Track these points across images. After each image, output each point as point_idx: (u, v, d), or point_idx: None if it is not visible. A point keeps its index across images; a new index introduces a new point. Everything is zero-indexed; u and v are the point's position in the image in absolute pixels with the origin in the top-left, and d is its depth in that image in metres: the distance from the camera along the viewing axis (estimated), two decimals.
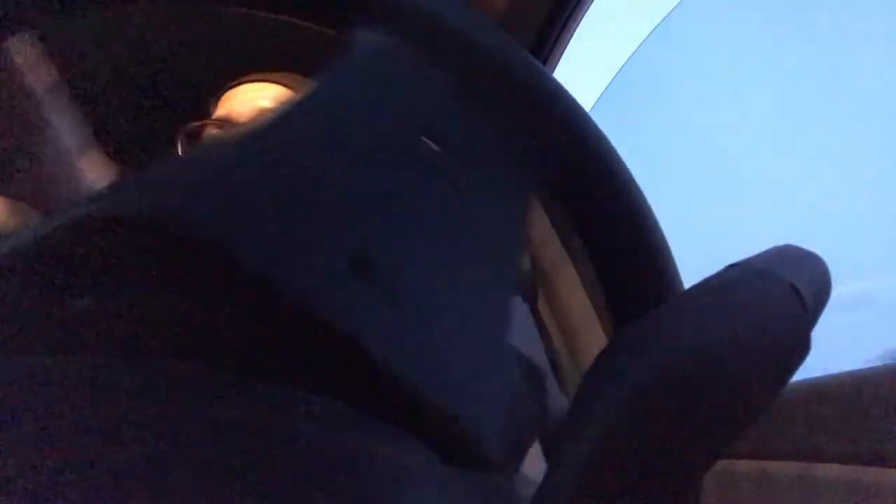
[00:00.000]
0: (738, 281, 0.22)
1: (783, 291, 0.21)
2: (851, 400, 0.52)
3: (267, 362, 0.18)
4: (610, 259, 0.26)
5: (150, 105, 1.03)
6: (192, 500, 0.13)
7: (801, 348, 0.21)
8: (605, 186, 0.25)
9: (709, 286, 0.22)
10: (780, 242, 0.25)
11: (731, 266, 0.23)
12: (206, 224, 0.15)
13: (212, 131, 0.70)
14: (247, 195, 0.16)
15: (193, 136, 0.71)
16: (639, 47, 1.26)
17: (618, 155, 0.26)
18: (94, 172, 0.66)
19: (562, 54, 0.90)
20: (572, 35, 0.88)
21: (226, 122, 0.69)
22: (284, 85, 0.73)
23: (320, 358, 0.18)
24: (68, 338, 0.16)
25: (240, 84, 0.74)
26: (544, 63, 0.88)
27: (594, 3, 0.84)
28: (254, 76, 0.74)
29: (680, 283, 0.26)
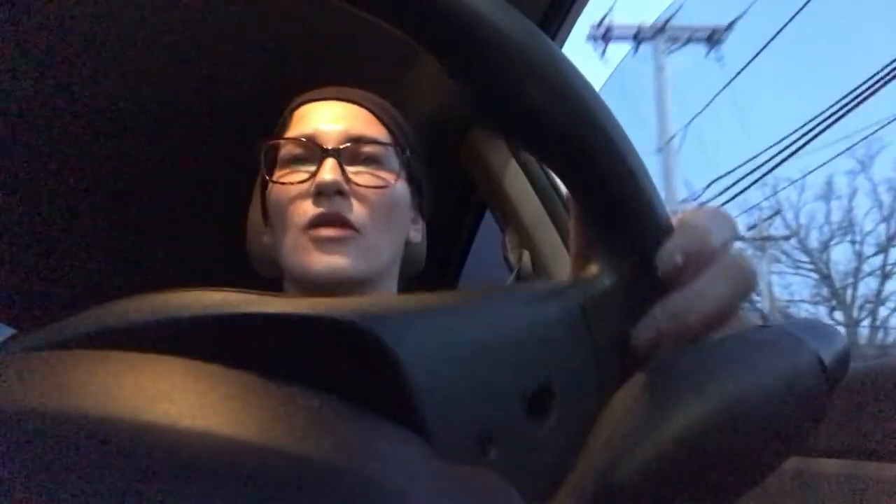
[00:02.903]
0: (771, 343, 0.24)
1: (811, 361, 0.23)
2: (851, 396, 0.52)
3: (267, 354, 0.18)
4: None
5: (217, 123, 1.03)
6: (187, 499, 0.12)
7: (818, 415, 0.23)
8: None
9: (742, 342, 0.24)
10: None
11: (764, 327, 0.25)
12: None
13: (294, 150, 0.69)
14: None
15: (272, 153, 0.71)
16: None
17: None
18: None
19: (566, 37, 0.89)
20: (577, 18, 0.87)
21: (311, 140, 0.68)
22: (355, 102, 0.72)
23: (321, 354, 0.19)
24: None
25: (311, 101, 0.73)
26: None
27: None
28: (323, 92, 0.74)
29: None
